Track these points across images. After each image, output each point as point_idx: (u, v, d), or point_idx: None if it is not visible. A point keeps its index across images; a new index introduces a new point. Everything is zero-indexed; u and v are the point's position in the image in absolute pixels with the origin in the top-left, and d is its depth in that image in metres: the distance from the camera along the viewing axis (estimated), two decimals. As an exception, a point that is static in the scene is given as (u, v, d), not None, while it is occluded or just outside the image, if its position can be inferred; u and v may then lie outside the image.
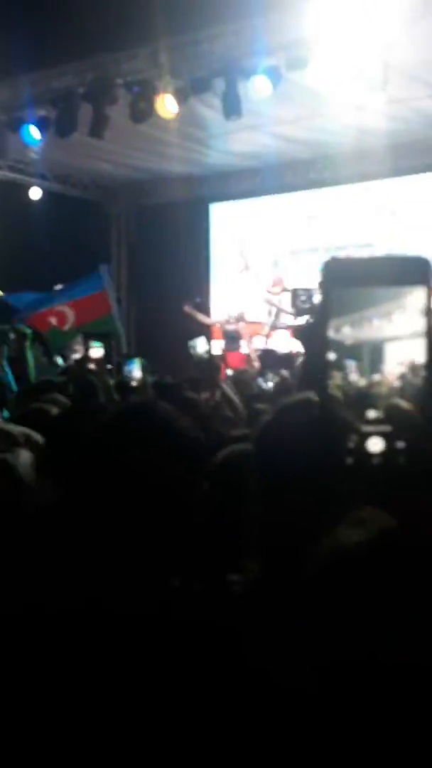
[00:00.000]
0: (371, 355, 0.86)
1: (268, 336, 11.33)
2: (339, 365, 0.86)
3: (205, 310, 10.99)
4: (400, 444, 0.82)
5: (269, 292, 11.92)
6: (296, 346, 10.31)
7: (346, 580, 1.00)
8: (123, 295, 12.92)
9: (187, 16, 7.89)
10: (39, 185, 11.80)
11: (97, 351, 6.07)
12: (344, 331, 0.86)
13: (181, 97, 8.27)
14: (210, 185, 12.20)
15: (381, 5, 6.74)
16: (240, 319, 11.36)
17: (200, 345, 6.26)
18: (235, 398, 3.75)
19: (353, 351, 0.86)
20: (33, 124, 8.96)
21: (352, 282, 0.87)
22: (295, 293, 6.26)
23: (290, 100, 8.54)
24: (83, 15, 8.39)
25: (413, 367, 0.85)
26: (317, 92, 8.10)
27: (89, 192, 12.76)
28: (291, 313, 8.45)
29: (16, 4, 8.56)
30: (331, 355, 0.86)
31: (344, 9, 6.93)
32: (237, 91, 7.83)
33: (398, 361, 0.85)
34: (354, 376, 0.85)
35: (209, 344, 6.38)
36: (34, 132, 8.97)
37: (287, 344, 10.95)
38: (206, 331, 10.40)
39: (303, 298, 5.87)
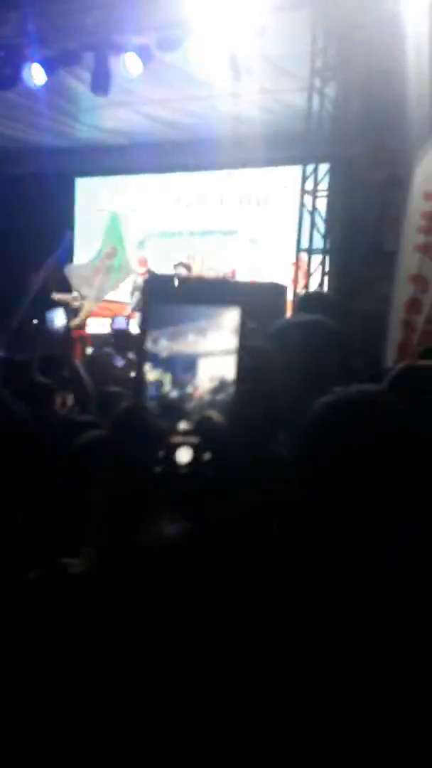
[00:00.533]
0: (184, 368, 0.90)
1: (129, 316, 11.31)
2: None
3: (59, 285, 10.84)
4: (207, 455, 0.87)
5: (133, 272, 11.91)
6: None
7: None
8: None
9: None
10: None
11: None
12: (161, 344, 0.90)
13: (50, 67, 8.09)
14: (77, 159, 11.97)
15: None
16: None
17: (58, 318, 6.05)
18: (87, 379, 3.72)
19: (168, 363, 0.89)
20: None
21: (171, 298, 0.90)
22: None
23: (163, 80, 8.53)
24: None
25: (223, 382, 0.89)
26: (189, 75, 8.14)
27: None
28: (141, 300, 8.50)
29: None
30: (147, 366, 0.89)
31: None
32: (107, 66, 7.74)
33: (210, 375, 0.89)
34: (167, 388, 0.89)
35: (67, 318, 6.20)
36: None
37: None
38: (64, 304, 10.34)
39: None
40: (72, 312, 10.47)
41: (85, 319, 10.56)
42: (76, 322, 10.42)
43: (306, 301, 4.32)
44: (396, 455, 1.36)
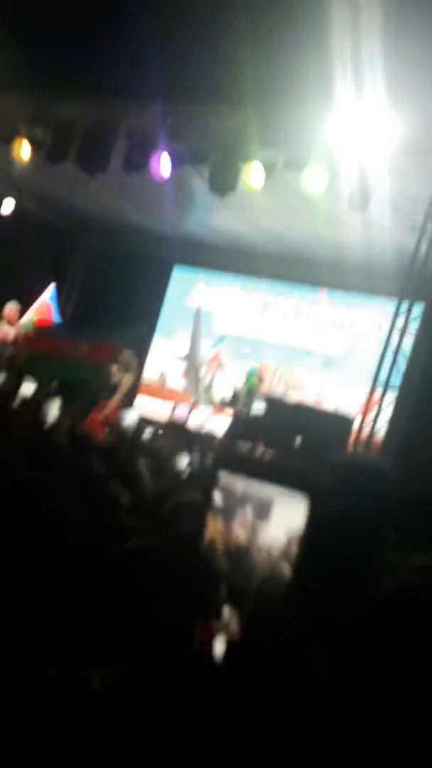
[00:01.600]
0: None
1: (194, 407, 11.39)
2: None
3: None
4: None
5: (207, 365, 12.08)
6: (214, 427, 10.41)
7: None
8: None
9: (205, 87, 8.13)
10: (15, 197, 11.76)
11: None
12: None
13: (177, 160, 8.44)
14: (178, 248, 12.38)
15: (380, 135, 7.09)
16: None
17: (130, 417, 5.91)
18: (148, 480, 3.70)
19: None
20: (27, 140, 8.98)
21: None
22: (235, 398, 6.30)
23: (278, 193, 8.81)
24: (108, 55, 8.57)
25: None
26: (305, 195, 8.39)
27: (63, 220, 12.79)
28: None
29: (59, 26, 8.70)
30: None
31: (349, 130, 7.25)
32: (230, 172, 8.03)
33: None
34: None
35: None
36: (25, 149, 8.99)
37: (207, 420, 11.04)
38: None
39: (240, 405, 5.94)
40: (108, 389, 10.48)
41: (124, 398, 10.49)
42: (116, 400, 10.33)
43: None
44: None
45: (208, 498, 0.94)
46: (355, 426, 7.51)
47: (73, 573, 1.84)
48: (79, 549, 1.85)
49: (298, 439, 6.37)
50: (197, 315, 11.26)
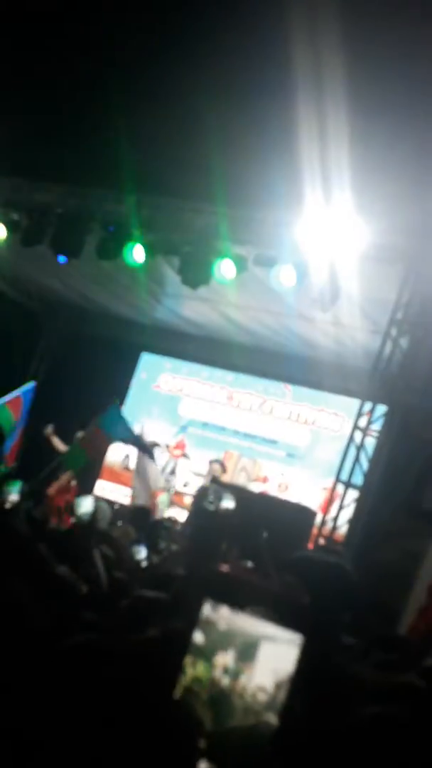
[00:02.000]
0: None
1: (155, 494, 11.28)
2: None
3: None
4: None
5: (170, 452, 12.03)
6: (177, 514, 10.31)
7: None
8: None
9: (180, 184, 8.37)
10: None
11: None
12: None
13: (150, 251, 8.60)
14: (147, 334, 12.48)
15: (347, 239, 7.29)
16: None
17: (85, 505, 5.72)
18: (103, 574, 3.65)
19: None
20: (2, 223, 9.11)
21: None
22: (204, 491, 6.31)
23: (248, 288, 8.99)
24: (86, 145, 8.81)
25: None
26: (274, 291, 8.56)
27: (32, 302, 12.86)
28: (191, 503, 8.63)
29: (36, 113, 8.93)
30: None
31: (318, 232, 7.46)
32: (203, 266, 8.18)
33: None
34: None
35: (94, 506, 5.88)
36: (0, 230, 9.10)
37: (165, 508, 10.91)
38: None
39: (211, 498, 5.93)
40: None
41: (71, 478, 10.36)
42: (63, 479, 10.14)
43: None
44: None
45: (190, 628, 0.86)
46: (317, 520, 7.50)
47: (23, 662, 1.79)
48: (31, 636, 1.81)
49: (264, 534, 6.32)
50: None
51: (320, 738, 1.67)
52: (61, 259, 8.91)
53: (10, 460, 11.05)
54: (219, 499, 6.01)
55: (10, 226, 9.10)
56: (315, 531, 7.38)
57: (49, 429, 10.54)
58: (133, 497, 9.95)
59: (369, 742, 1.46)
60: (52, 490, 10.33)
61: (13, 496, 5.97)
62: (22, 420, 10.90)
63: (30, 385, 10.96)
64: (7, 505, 5.79)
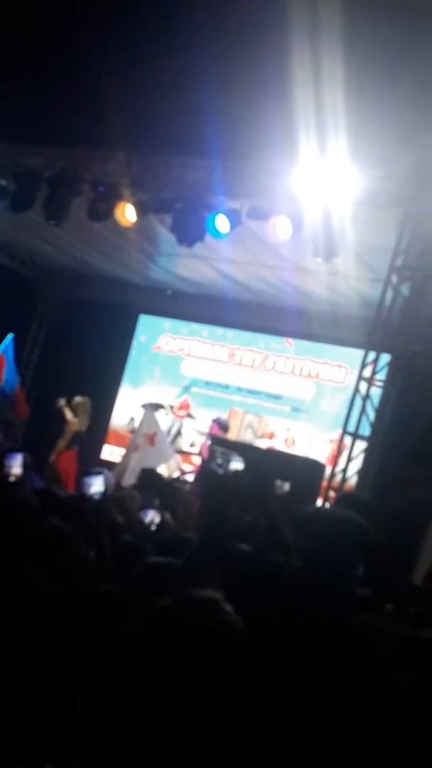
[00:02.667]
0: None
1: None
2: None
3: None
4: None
5: (174, 413, 11.98)
6: (184, 475, 10.29)
7: None
8: (28, 376, 12.75)
9: (168, 138, 8.15)
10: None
11: None
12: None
13: (142, 210, 8.43)
14: (145, 296, 12.36)
15: (343, 186, 7.12)
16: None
17: (96, 485, 5.64)
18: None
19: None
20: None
21: None
22: (213, 451, 6.25)
23: (243, 243, 8.84)
24: (72, 105, 8.58)
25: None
26: (269, 244, 8.41)
27: (26, 268, 12.72)
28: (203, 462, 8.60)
29: (20, 74, 8.69)
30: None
31: (313, 181, 7.29)
32: (195, 222, 8.03)
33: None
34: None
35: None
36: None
37: (176, 468, 10.91)
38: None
39: (220, 461, 5.87)
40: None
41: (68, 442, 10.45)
42: (60, 445, 10.32)
43: (343, 500, 4.26)
44: None
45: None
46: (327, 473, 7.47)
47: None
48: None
49: (286, 486, 6.30)
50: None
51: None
52: (53, 222, 8.73)
53: (17, 415, 11.05)
54: (227, 461, 5.95)
55: (-1, 192, 8.93)
56: (325, 484, 7.33)
57: (62, 401, 10.45)
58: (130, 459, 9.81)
59: (408, 709, 1.42)
60: (52, 457, 10.32)
61: (16, 469, 5.88)
62: (12, 374, 10.88)
63: (8, 339, 10.89)
64: (11, 479, 5.71)
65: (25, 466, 5.80)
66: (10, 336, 10.83)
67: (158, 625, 1.56)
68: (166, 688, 1.47)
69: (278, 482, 6.10)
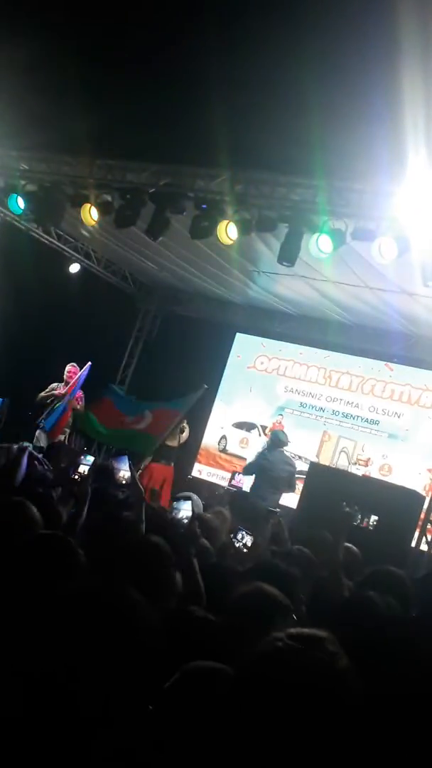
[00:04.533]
0: None
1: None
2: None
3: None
4: None
5: (266, 434, 11.83)
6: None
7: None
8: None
9: (273, 157, 8.05)
10: (81, 262, 11.87)
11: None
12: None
13: (244, 228, 8.34)
14: (242, 315, 12.30)
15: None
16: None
17: (185, 509, 5.49)
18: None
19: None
20: (95, 205, 9.00)
21: None
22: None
23: (346, 264, 8.65)
24: (178, 121, 8.60)
25: None
26: (373, 267, 8.20)
27: (126, 284, 12.84)
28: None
29: (127, 90, 8.78)
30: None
31: (421, 202, 7.06)
32: (298, 242, 7.89)
33: None
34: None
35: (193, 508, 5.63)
36: (93, 214, 9.01)
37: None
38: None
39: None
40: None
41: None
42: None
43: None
44: None
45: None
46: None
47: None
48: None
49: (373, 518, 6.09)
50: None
51: None
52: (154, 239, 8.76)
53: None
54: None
55: (103, 208, 9.00)
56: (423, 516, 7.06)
57: None
58: None
59: None
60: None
61: (125, 472, 5.97)
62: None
63: (86, 368, 10.98)
64: (123, 481, 5.80)
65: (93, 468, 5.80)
66: (88, 365, 10.96)
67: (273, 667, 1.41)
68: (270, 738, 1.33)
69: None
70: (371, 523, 6.33)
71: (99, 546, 3.46)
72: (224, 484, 11.38)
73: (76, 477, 5.60)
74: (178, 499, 5.63)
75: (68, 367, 10.79)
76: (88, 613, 1.67)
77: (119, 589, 1.78)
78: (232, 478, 11.22)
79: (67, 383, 10.70)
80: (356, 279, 9.20)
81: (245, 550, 5.27)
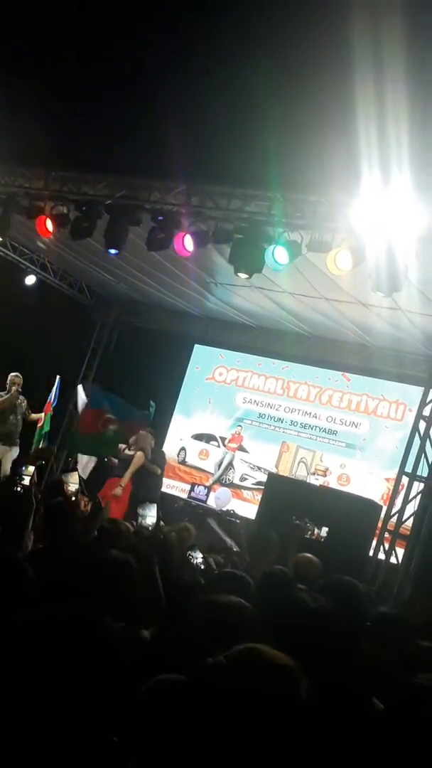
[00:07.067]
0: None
1: (212, 489, 11.18)
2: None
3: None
4: None
5: (225, 445, 11.84)
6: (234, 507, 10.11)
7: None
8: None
9: (229, 169, 8.09)
10: (37, 274, 11.80)
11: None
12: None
13: (201, 240, 8.35)
14: (200, 327, 12.31)
15: (406, 221, 6.95)
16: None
17: (150, 515, 5.40)
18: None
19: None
20: (51, 218, 8.96)
21: None
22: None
23: (302, 275, 8.71)
24: (133, 134, 8.61)
25: None
26: (329, 277, 8.26)
27: (82, 296, 12.79)
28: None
29: (82, 102, 8.78)
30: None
31: (375, 214, 7.13)
32: (256, 253, 7.92)
33: None
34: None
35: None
36: (48, 226, 8.96)
37: (226, 502, 10.78)
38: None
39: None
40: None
41: (132, 476, 10.15)
42: (125, 478, 9.97)
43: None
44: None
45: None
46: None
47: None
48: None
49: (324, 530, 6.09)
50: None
51: None
52: (112, 251, 8.73)
53: None
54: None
55: (59, 220, 8.95)
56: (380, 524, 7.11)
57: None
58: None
59: None
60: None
61: (72, 486, 5.92)
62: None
63: (56, 383, 11.14)
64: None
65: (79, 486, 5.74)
66: (57, 379, 11.00)
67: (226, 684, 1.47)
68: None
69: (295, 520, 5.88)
70: (321, 535, 6.34)
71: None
72: (183, 496, 11.35)
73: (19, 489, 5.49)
74: (143, 505, 5.54)
75: (11, 376, 10.89)
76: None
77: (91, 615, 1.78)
78: (192, 490, 11.20)
79: (8, 391, 10.81)
80: (313, 290, 9.27)
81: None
